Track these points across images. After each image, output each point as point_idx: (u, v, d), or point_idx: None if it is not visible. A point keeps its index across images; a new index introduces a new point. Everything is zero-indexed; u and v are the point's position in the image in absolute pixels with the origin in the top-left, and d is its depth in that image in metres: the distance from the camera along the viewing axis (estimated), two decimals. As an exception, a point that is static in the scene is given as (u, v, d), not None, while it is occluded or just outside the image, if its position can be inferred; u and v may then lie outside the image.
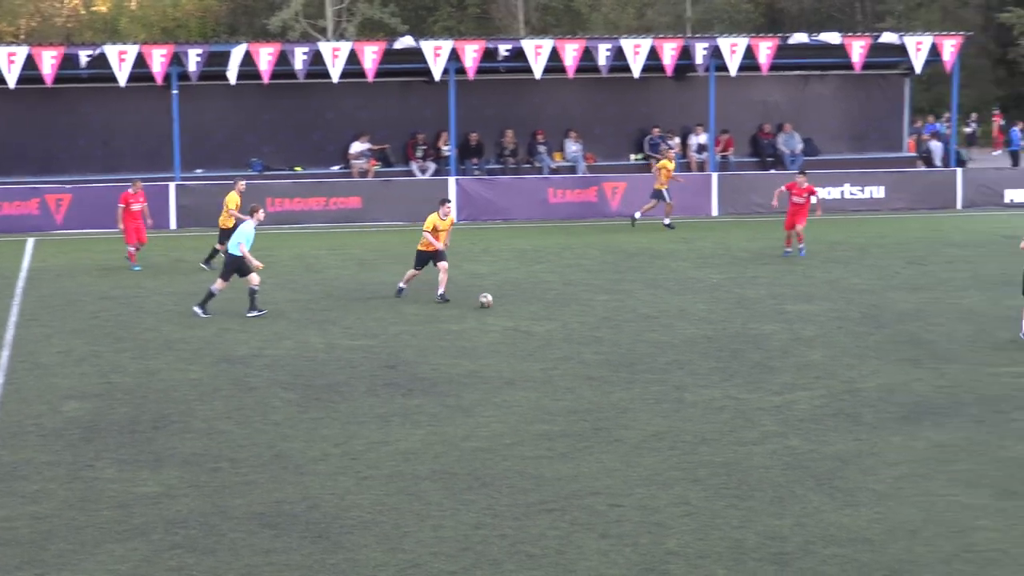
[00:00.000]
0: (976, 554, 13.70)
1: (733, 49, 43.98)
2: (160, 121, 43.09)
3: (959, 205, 45.92)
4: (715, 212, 44.16)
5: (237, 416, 19.28)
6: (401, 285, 29.08)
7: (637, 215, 41.10)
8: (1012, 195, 46.56)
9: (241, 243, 26.94)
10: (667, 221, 40.62)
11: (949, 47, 45.40)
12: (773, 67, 45.12)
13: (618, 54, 43.44)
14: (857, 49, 44.61)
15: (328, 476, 16.40)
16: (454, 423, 18.82)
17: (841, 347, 23.70)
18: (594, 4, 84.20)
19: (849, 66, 45.52)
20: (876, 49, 45.33)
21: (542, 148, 46.76)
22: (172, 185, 41.69)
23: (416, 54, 42.93)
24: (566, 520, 14.73)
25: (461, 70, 43.13)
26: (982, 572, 13.25)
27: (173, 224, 41.39)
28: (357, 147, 45.40)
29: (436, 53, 42.64)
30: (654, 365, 22.36)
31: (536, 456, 17.19)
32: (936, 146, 51.58)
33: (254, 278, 26.95)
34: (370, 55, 42.33)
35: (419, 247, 28.69)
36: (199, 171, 44.23)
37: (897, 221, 42.59)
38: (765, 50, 44.12)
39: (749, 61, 44.17)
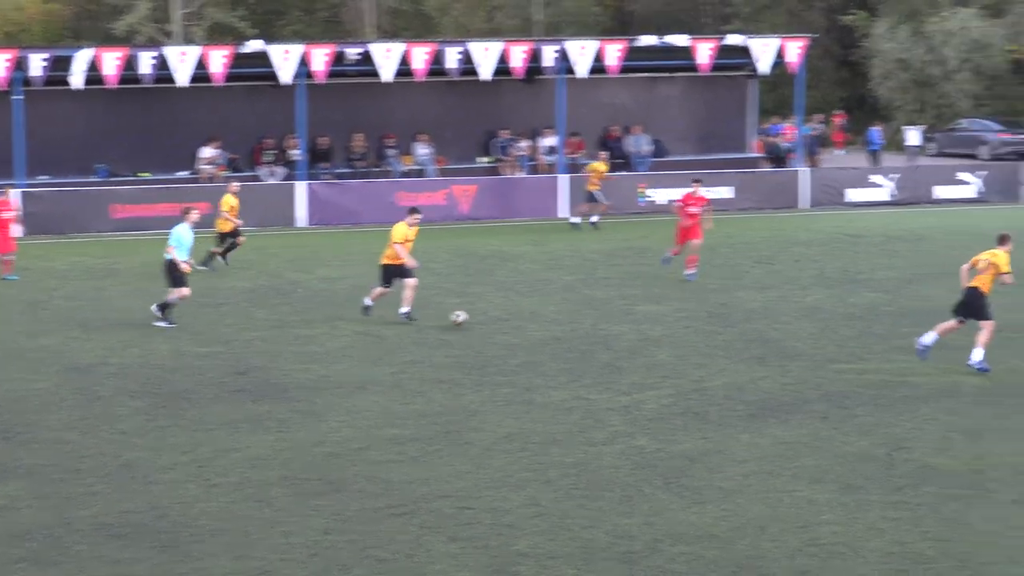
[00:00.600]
0: (820, 548, 13.93)
1: (582, 52, 44.27)
2: (2, 127, 42.32)
3: (804, 204, 46.68)
4: (565, 214, 44.38)
5: (83, 426, 19.01)
6: (368, 302, 26.82)
7: (580, 220, 41.75)
8: (853, 195, 47.46)
9: (172, 246, 26.27)
10: (594, 219, 41.14)
11: (794, 49, 46.14)
12: (622, 69, 45.47)
13: (468, 57, 43.51)
14: (704, 51, 45.15)
15: (176, 484, 16.24)
16: (304, 428, 18.74)
17: (690, 346, 23.96)
18: (444, 8, 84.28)
19: (696, 68, 46.02)
20: (723, 51, 45.89)
21: (391, 152, 46.68)
22: (17, 192, 40.89)
23: (265, 58, 42.65)
24: (416, 524, 14.74)
25: (310, 74, 42.92)
26: (826, 565, 13.48)
27: (18, 231, 40.55)
28: (207, 152, 44.97)
29: (285, 57, 42.39)
30: (504, 367, 22.44)
31: (386, 460, 17.18)
32: (780, 146, 52.23)
33: (182, 290, 26.35)
34: (219, 59, 41.93)
35: (384, 260, 26.60)
36: (44, 177, 43.52)
37: (744, 221, 43.12)
38: (614, 52, 44.45)
39: (598, 64, 44.48)
